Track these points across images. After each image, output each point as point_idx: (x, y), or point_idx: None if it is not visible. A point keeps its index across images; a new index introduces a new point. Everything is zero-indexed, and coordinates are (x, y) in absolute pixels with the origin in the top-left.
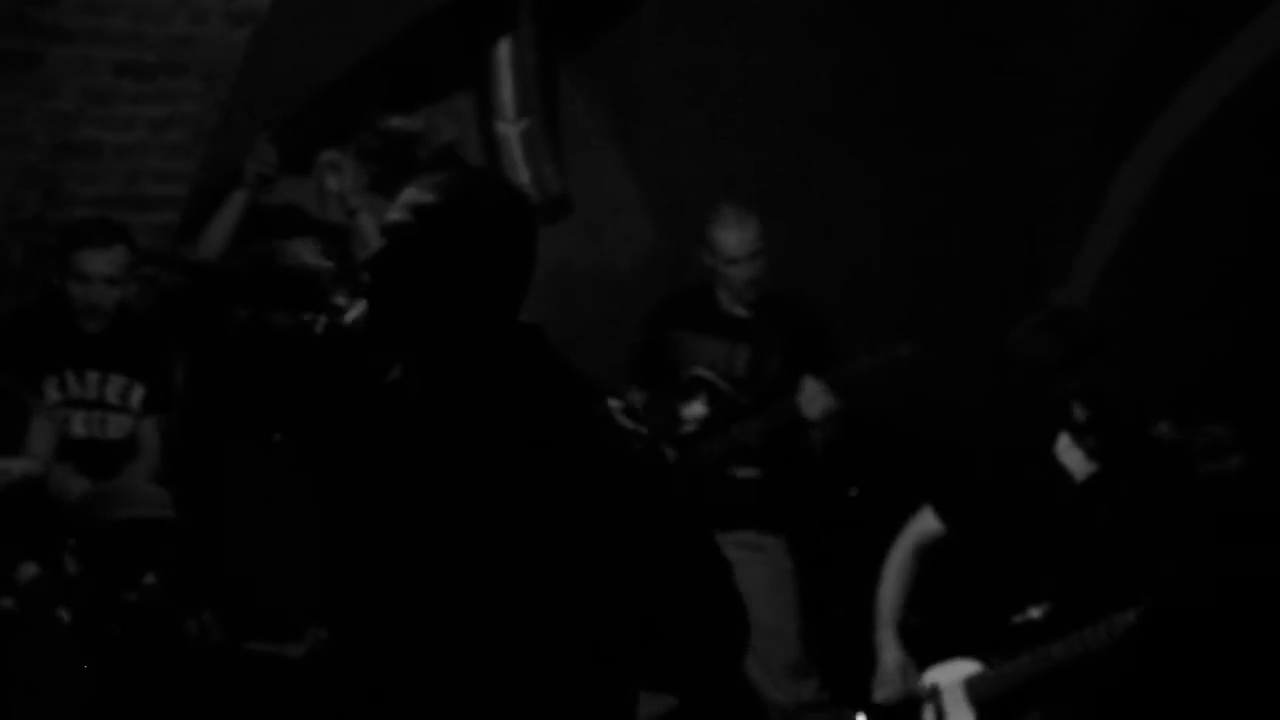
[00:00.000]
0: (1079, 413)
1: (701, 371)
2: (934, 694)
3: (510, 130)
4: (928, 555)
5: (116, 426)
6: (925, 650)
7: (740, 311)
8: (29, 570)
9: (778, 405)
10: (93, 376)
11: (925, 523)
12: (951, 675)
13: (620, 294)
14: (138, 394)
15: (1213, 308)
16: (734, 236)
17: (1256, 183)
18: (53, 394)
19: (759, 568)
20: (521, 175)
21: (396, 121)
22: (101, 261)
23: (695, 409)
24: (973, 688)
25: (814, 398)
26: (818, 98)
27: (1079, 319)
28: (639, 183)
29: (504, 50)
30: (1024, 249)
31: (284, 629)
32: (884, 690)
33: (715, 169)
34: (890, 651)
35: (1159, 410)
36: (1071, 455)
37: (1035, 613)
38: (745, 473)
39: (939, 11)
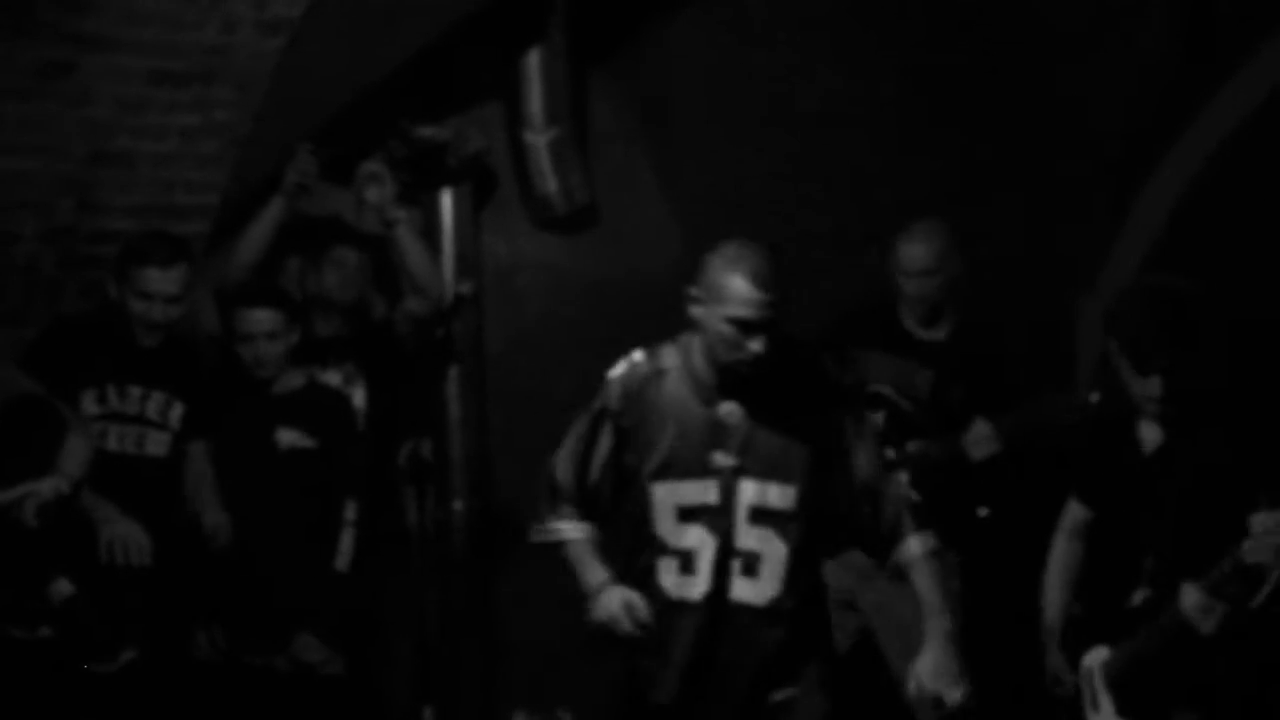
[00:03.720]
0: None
1: (882, 388)
2: (1088, 679)
3: (538, 140)
4: (1086, 543)
5: (155, 443)
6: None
7: (923, 334)
8: (63, 588)
9: (946, 439)
10: (135, 391)
11: (1073, 513)
12: (1093, 660)
13: (649, 301)
14: (177, 411)
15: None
16: (910, 250)
17: None
18: (91, 407)
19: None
20: (549, 185)
21: (425, 131)
22: (164, 281)
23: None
24: (1107, 671)
25: (981, 441)
26: (849, 107)
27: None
28: (667, 191)
29: (533, 60)
30: (1052, 259)
31: (274, 642)
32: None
33: (743, 177)
34: (1054, 656)
35: None
36: (1149, 427)
37: (1138, 598)
38: None
39: (974, 31)
